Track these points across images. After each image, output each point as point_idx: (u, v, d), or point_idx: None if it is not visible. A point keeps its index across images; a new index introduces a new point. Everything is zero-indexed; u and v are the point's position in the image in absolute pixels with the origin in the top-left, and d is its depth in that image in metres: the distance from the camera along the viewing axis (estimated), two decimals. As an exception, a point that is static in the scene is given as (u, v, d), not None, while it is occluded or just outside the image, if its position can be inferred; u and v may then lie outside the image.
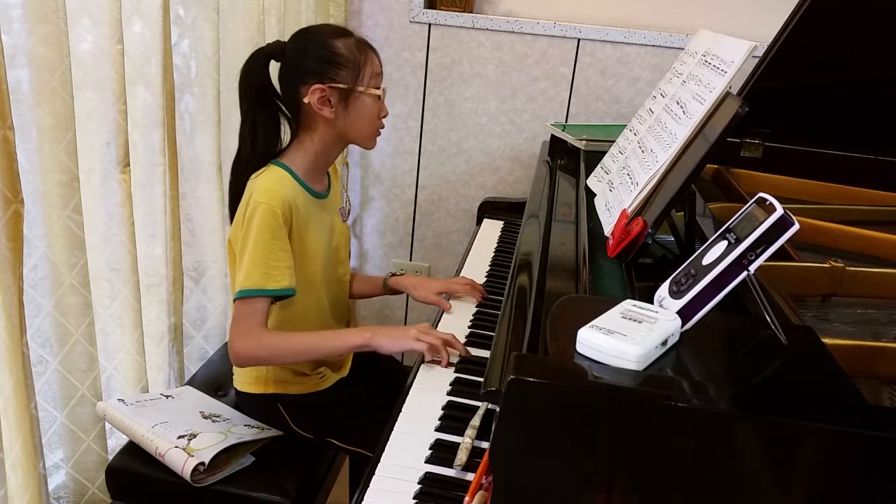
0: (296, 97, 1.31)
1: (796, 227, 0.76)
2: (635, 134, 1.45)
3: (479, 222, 2.09)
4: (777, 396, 0.72)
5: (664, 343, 0.75)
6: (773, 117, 1.43)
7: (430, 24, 2.29)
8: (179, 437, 1.31)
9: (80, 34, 1.31)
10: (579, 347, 0.74)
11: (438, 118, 2.39)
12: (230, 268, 1.38)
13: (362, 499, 0.98)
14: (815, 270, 1.10)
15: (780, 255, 0.86)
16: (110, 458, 1.41)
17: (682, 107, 1.25)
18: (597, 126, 2.13)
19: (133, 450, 1.35)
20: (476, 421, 1.09)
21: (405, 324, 2.59)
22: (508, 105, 2.34)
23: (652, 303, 0.81)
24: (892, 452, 0.66)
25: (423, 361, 1.29)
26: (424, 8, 2.27)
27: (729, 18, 2.16)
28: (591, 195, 1.47)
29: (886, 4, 1.21)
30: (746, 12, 2.14)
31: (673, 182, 1.13)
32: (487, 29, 2.26)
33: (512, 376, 0.69)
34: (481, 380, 1.10)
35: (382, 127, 1.39)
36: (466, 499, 0.92)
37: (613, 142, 1.57)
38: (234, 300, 1.29)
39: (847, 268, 1.10)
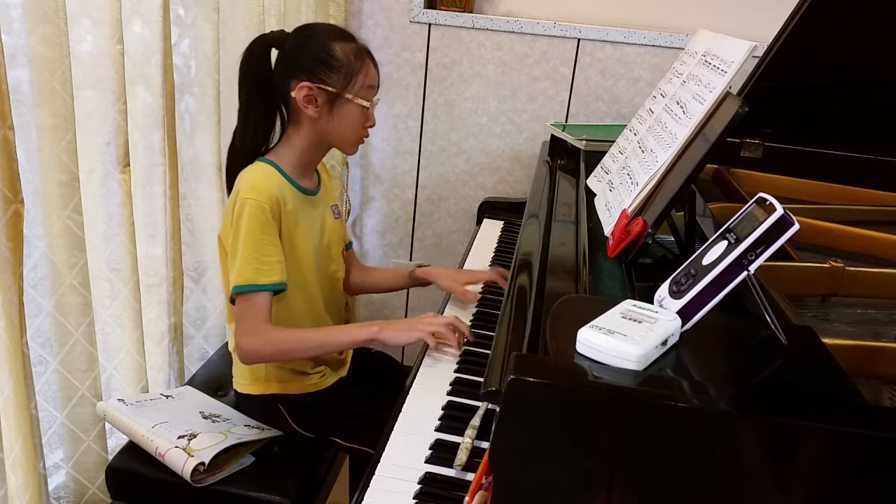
0: (285, 90, 1.32)
1: (796, 227, 0.76)
2: (635, 134, 1.45)
3: (479, 222, 2.09)
4: (777, 396, 0.72)
5: (664, 343, 0.75)
6: (773, 117, 1.43)
7: (430, 24, 2.29)
8: (179, 437, 1.31)
9: (80, 34, 1.31)
10: (579, 347, 0.74)
11: (438, 118, 2.38)
12: (222, 264, 1.39)
13: (362, 499, 0.98)
14: (815, 270, 1.10)
15: (780, 255, 0.86)
16: (110, 458, 1.41)
17: (682, 107, 1.25)
18: (597, 126, 2.13)
19: (133, 450, 1.35)
20: (476, 421, 1.09)
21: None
22: (508, 105, 2.34)
23: (652, 303, 0.81)
24: (892, 452, 0.66)
25: (423, 357, 1.29)
26: (424, 8, 2.27)
27: (729, 18, 2.16)
28: (591, 195, 1.47)
29: (886, 4, 1.21)
30: (746, 12, 2.14)
31: (673, 182, 1.13)
32: (487, 29, 2.26)
33: (512, 376, 0.69)
34: (481, 380, 1.09)
35: (367, 136, 1.39)
36: (466, 499, 0.92)
37: (613, 142, 1.57)
38: (231, 298, 1.29)
39: (847, 268, 1.10)
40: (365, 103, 1.33)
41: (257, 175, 1.31)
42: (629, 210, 1.18)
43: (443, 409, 1.17)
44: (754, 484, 0.69)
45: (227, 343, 1.76)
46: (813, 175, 1.53)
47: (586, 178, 1.57)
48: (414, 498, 0.99)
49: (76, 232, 1.33)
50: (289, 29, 1.37)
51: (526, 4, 2.30)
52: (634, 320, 0.76)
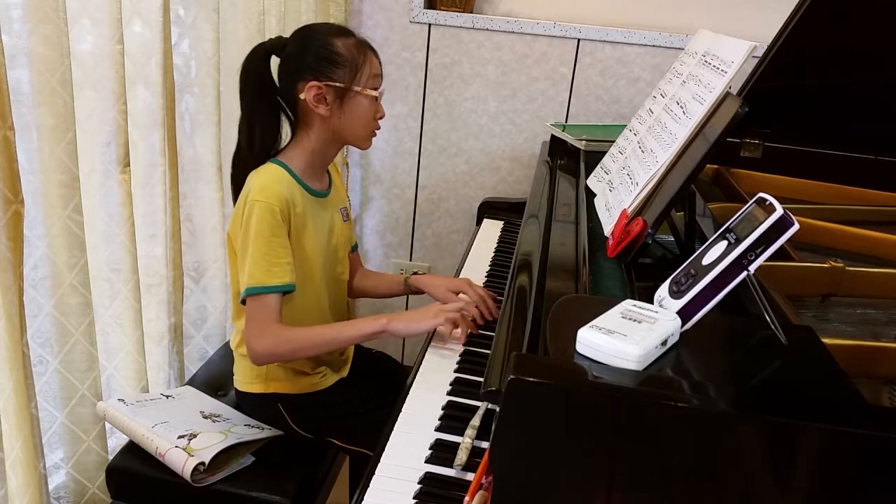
0: (293, 93, 1.32)
1: (796, 227, 0.76)
2: (635, 134, 1.45)
3: (479, 222, 2.09)
4: (777, 396, 0.72)
5: (664, 343, 0.75)
6: (773, 117, 1.43)
7: (430, 25, 2.29)
8: (179, 437, 1.31)
9: (80, 34, 1.31)
10: (579, 347, 0.75)
11: (438, 118, 2.39)
12: (230, 264, 1.39)
13: (362, 499, 0.98)
14: (815, 270, 1.10)
15: (780, 255, 0.86)
16: (110, 458, 1.41)
17: (682, 107, 1.25)
18: (597, 126, 2.13)
19: (133, 450, 1.35)
20: (476, 421, 1.10)
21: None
22: (508, 105, 2.34)
23: (652, 303, 0.81)
24: (892, 452, 0.66)
25: (424, 357, 1.29)
26: (424, 8, 2.27)
27: (729, 18, 2.16)
28: (591, 195, 1.47)
29: (886, 4, 1.21)
30: (746, 12, 2.14)
31: (673, 182, 1.13)
32: (487, 29, 2.26)
33: (512, 376, 0.69)
34: (481, 380, 1.10)
35: (378, 128, 1.39)
36: (466, 499, 0.92)
37: (613, 142, 1.57)
38: (242, 300, 1.29)
39: (847, 268, 1.10)
40: (374, 93, 1.33)
41: (267, 176, 1.31)
42: (629, 210, 1.18)
43: (443, 409, 1.17)
44: (754, 484, 0.69)
45: (227, 343, 1.76)
46: (813, 175, 1.53)
47: (586, 178, 1.57)
48: (414, 498, 0.99)
49: (76, 232, 1.33)
50: (289, 30, 1.37)
51: (526, 4, 2.30)
52: (634, 320, 0.76)
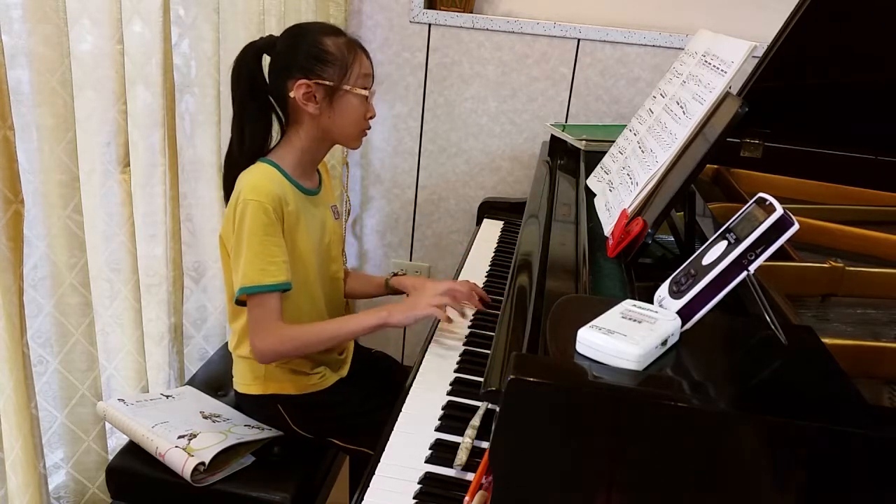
0: (283, 92, 1.32)
1: (796, 227, 0.76)
2: (635, 134, 1.45)
3: (479, 222, 2.09)
4: (777, 396, 0.72)
5: (664, 343, 0.75)
6: (773, 117, 1.43)
7: (430, 25, 2.29)
8: (179, 437, 1.32)
9: (80, 34, 1.31)
10: (579, 347, 0.75)
11: (438, 118, 2.38)
12: (223, 264, 1.39)
13: (362, 499, 0.98)
14: (815, 270, 1.10)
15: (780, 255, 0.86)
16: (110, 458, 1.41)
17: (682, 107, 1.25)
18: (597, 126, 2.13)
19: (133, 450, 1.35)
20: (476, 421, 1.10)
21: (403, 330, 2.59)
22: (508, 105, 2.34)
23: (652, 303, 0.81)
24: (892, 452, 0.66)
25: (424, 357, 1.29)
26: (424, 8, 2.27)
27: (729, 18, 2.16)
28: (591, 195, 1.47)
29: (886, 4, 1.21)
30: (746, 12, 2.14)
31: (673, 182, 1.13)
32: (487, 29, 2.26)
33: (512, 376, 0.69)
34: (481, 380, 1.10)
35: (368, 128, 1.39)
36: (466, 499, 0.92)
37: (613, 142, 1.57)
38: (237, 300, 1.29)
39: (847, 268, 1.10)
40: (364, 92, 1.33)
41: (258, 175, 1.31)
42: (629, 210, 1.18)
43: (443, 409, 1.17)
44: (754, 484, 0.69)
45: (227, 343, 1.76)
46: (813, 175, 1.53)
47: (586, 178, 1.57)
48: (414, 498, 0.99)
49: (76, 232, 1.33)
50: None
51: (526, 4, 2.30)
52: (634, 320, 0.76)
